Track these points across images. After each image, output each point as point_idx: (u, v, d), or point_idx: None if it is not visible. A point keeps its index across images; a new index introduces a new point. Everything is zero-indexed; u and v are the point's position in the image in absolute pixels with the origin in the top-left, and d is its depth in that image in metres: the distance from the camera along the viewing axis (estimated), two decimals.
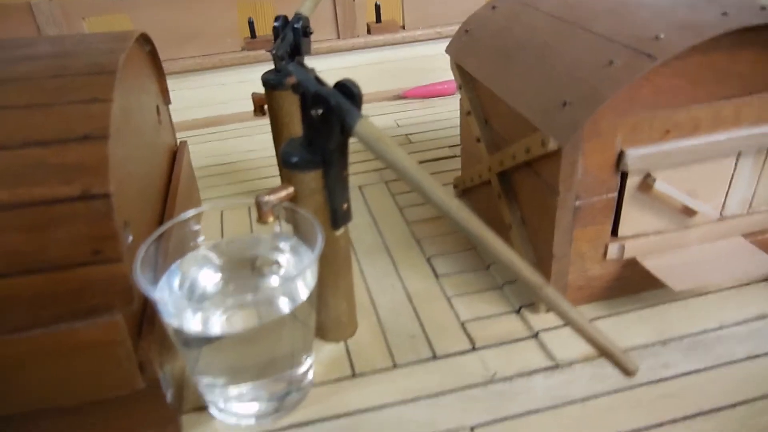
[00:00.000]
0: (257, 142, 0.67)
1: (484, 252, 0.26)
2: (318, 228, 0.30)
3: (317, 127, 0.29)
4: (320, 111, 0.28)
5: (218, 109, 0.73)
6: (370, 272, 0.44)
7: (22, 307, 0.26)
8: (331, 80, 0.84)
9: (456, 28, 0.77)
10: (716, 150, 0.34)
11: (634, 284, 0.38)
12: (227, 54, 0.73)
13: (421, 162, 0.60)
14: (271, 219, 0.32)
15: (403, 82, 0.77)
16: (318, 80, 0.29)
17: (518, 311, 0.39)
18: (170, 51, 0.72)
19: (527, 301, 0.40)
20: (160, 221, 0.40)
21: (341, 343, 0.38)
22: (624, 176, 0.34)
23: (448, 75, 0.52)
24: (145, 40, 0.43)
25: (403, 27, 0.78)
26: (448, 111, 0.71)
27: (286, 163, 0.31)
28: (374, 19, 0.77)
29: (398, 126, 0.69)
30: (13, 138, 0.26)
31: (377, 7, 0.76)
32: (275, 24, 0.44)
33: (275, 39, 0.45)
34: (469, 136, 0.46)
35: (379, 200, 0.54)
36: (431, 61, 0.65)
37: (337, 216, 0.33)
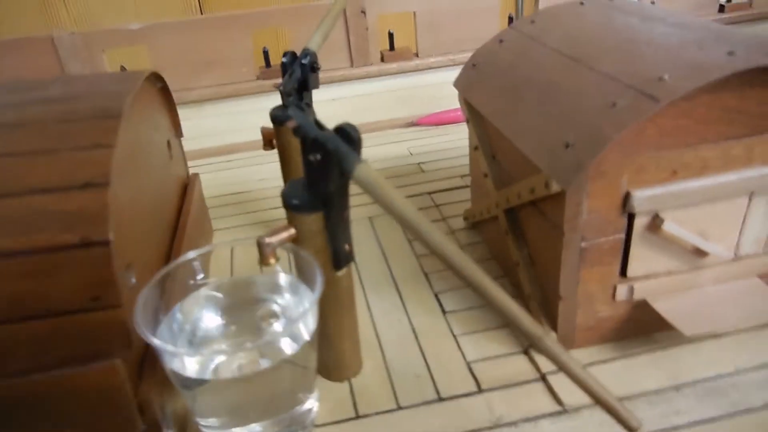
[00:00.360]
0: (269, 170, 0.67)
1: (482, 298, 0.26)
2: (318, 270, 0.30)
3: (317, 171, 0.29)
4: (318, 156, 0.28)
5: (232, 137, 0.74)
6: (376, 306, 0.44)
7: (23, 352, 0.26)
8: (344, 108, 0.84)
9: (468, 55, 0.77)
10: (727, 190, 0.33)
11: (645, 325, 0.37)
12: (242, 83, 0.74)
13: (432, 192, 0.60)
14: (273, 261, 0.32)
15: (417, 109, 0.78)
16: (318, 124, 0.29)
17: (526, 351, 0.38)
18: (186, 80, 0.73)
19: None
20: (169, 256, 0.40)
21: (345, 383, 0.37)
22: (631, 217, 0.33)
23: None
24: (156, 77, 0.43)
25: (417, 54, 0.78)
26: (461, 139, 0.71)
27: (287, 205, 0.31)
28: (388, 47, 0.78)
29: (411, 154, 0.69)
30: (18, 185, 0.27)
31: (390, 35, 0.77)
32: (283, 60, 0.45)
33: (283, 74, 0.45)
34: (477, 170, 0.46)
35: (388, 232, 0.54)
36: (445, 88, 0.65)
37: (340, 257, 0.33)
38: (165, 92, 0.46)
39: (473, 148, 0.45)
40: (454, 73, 0.75)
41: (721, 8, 0.84)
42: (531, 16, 0.46)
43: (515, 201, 0.38)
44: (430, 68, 0.78)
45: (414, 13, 0.76)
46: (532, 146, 0.33)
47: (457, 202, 0.57)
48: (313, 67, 0.45)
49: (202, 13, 1.66)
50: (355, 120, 0.81)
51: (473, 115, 0.44)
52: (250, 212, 0.59)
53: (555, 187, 0.31)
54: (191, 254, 0.32)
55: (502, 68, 0.42)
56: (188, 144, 0.56)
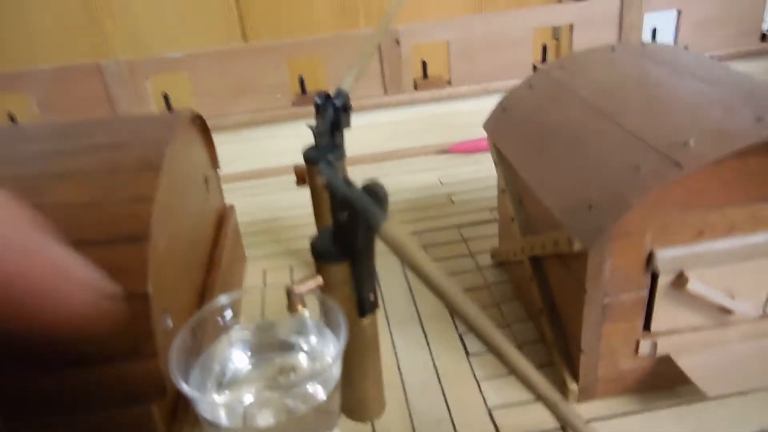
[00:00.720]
0: (302, 196, 0.68)
1: (500, 362, 0.27)
2: (343, 319, 0.31)
3: (344, 227, 0.31)
4: (346, 214, 0.30)
5: (267, 162, 0.76)
6: (401, 346, 0.45)
7: (64, 396, 0.28)
8: (377, 135, 0.85)
9: (503, 83, 0.78)
10: (755, 251, 0.33)
11: (669, 379, 0.37)
12: (278, 110, 0.76)
13: (461, 225, 0.60)
14: (300, 307, 0.33)
15: (449, 136, 0.78)
16: (346, 181, 0.30)
17: None
18: (225, 106, 0.75)
19: (557, 390, 0.39)
20: (203, 292, 0.42)
21: (368, 424, 0.38)
22: (655, 275, 0.33)
23: None
24: (195, 116, 0.45)
25: (450, 83, 0.79)
26: (491, 168, 0.70)
27: (315, 255, 0.33)
28: (421, 75, 0.79)
29: (441, 184, 0.70)
30: (67, 237, 0.29)
31: (424, 64, 0.78)
32: (317, 100, 0.46)
33: (316, 115, 0.46)
34: (504, 212, 0.46)
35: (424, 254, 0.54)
36: (477, 116, 0.66)
37: (364, 305, 0.34)
38: (203, 128, 0.48)
39: (501, 191, 0.46)
40: (487, 101, 0.76)
41: (763, 37, 0.82)
42: (562, 60, 0.46)
43: (540, 251, 0.38)
44: (463, 96, 0.79)
45: (448, 42, 0.76)
46: (555, 202, 0.34)
47: (485, 237, 0.58)
48: (345, 108, 0.46)
49: (246, 41, 1.71)
50: (387, 147, 0.82)
51: (501, 159, 0.45)
52: (283, 240, 0.61)
53: (577, 246, 0.32)
54: (223, 299, 0.34)
55: (531, 115, 0.42)
56: (225, 167, 0.58)
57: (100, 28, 1.36)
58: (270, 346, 0.37)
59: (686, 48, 0.46)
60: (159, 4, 1.44)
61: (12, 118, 0.72)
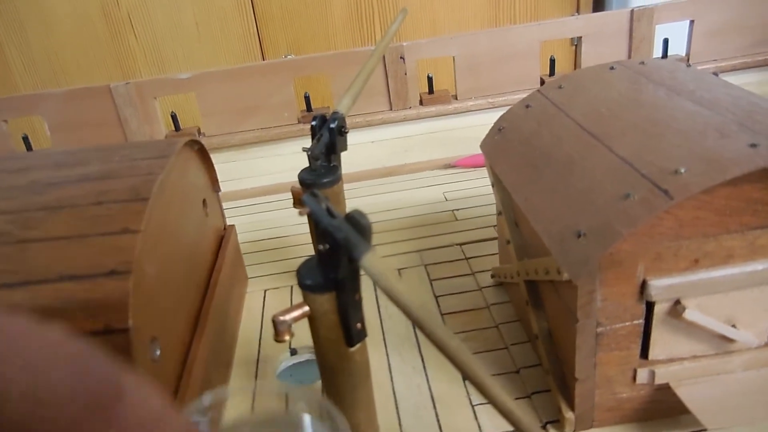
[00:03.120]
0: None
1: (485, 398, 0.26)
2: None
3: (327, 258, 0.30)
4: (327, 245, 0.29)
5: (273, 179, 0.76)
6: (397, 368, 0.44)
7: None
8: (383, 150, 0.85)
9: (508, 98, 0.77)
10: (755, 279, 0.32)
11: (669, 408, 0.36)
12: (284, 127, 0.76)
13: (464, 243, 0.60)
14: (287, 337, 0.33)
15: (455, 151, 0.78)
16: (329, 212, 0.30)
17: (544, 426, 0.38)
18: (231, 125, 0.76)
19: (553, 417, 0.38)
20: (198, 317, 0.42)
21: None
22: (650, 303, 0.32)
23: None
24: (192, 141, 0.46)
25: (456, 97, 0.79)
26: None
27: (300, 284, 0.32)
28: (426, 90, 0.79)
29: (446, 200, 0.69)
30: (49, 272, 0.29)
31: (429, 79, 0.78)
32: (312, 123, 0.46)
33: (312, 137, 0.46)
34: (502, 234, 0.45)
35: (416, 285, 0.54)
36: (482, 130, 0.66)
37: (351, 335, 0.33)
38: (202, 152, 0.49)
39: (498, 213, 0.45)
40: (493, 115, 0.75)
41: None
42: (560, 79, 0.45)
43: (533, 275, 0.38)
44: (469, 111, 0.78)
45: (453, 57, 0.76)
46: (545, 228, 0.33)
47: (487, 255, 0.57)
48: (341, 131, 0.46)
49: (264, 58, 1.73)
50: (393, 162, 0.82)
51: (497, 181, 0.44)
52: (285, 259, 0.61)
53: (566, 276, 0.31)
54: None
55: (526, 137, 0.41)
56: (231, 185, 0.59)
57: (124, 44, 1.38)
58: None
59: (688, 64, 0.45)
60: (179, 21, 1.47)
61: (26, 141, 0.73)
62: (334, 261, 0.30)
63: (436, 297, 0.52)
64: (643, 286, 0.31)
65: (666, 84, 0.39)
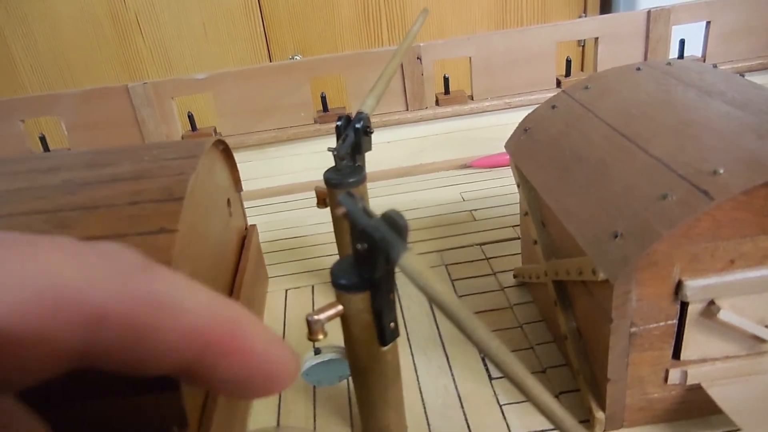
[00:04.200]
0: (324, 213, 0.69)
1: (523, 395, 0.26)
2: None
3: (364, 258, 0.30)
4: (366, 245, 0.29)
5: (291, 179, 0.76)
6: (423, 369, 0.44)
7: (85, 426, 0.28)
8: (400, 150, 0.85)
9: (524, 98, 0.77)
10: None
11: (700, 408, 0.36)
12: (300, 127, 0.76)
13: (483, 243, 0.60)
14: (321, 336, 0.33)
15: (471, 151, 0.78)
16: (366, 212, 0.30)
17: None
18: (248, 125, 0.76)
19: (583, 417, 0.38)
20: None
21: None
22: (684, 303, 0.32)
23: None
24: (218, 141, 0.46)
25: (472, 98, 0.79)
26: (514, 184, 0.70)
27: (335, 284, 0.32)
28: (443, 90, 0.79)
29: (463, 200, 0.69)
30: None
31: (446, 80, 0.78)
32: (338, 123, 0.46)
33: (337, 138, 0.47)
34: (527, 234, 0.45)
35: (441, 284, 0.54)
36: (499, 130, 0.65)
37: (385, 334, 0.34)
38: (226, 152, 0.49)
39: (523, 213, 0.45)
40: (509, 115, 0.75)
41: None
42: (586, 80, 0.45)
43: (564, 276, 0.38)
44: (485, 111, 0.78)
45: (470, 58, 0.76)
46: (579, 229, 0.33)
47: (508, 255, 0.57)
48: (366, 131, 0.46)
49: (270, 59, 1.73)
50: (410, 162, 0.82)
51: (524, 181, 0.44)
52: (305, 258, 0.61)
53: (602, 276, 0.31)
54: None
55: (553, 137, 0.42)
56: (249, 185, 0.59)
57: (131, 45, 1.39)
58: None
59: (714, 66, 0.45)
60: (186, 22, 1.47)
61: (43, 141, 0.74)
62: (371, 261, 0.30)
63: (459, 297, 0.52)
64: (679, 286, 0.31)
65: (696, 85, 0.39)
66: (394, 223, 0.30)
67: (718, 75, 0.41)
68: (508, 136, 0.46)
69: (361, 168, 0.46)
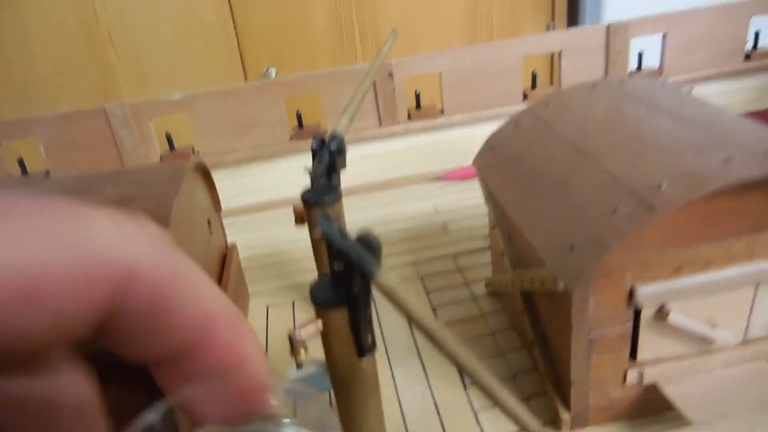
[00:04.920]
0: (302, 230, 0.71)
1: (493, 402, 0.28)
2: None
3: (341, 276, 0.32)
4: (342, 265, 0.32)
5: (268, 196, 0.78)
6: (401, 379, 0.46)
7: None
8: (373, 165, 0.87)
9: (493, 111, 0.80)
10: (731, 283, 0.35)
11: (658, 405, 0.39)
12: (277, 144, 0.78)
13: (456, 254, 0.62)
14: (302, 351, 0.35)
15: (443, 164, 0.80)
16: (342, 233, 0.32)
17: (543, 427, 0.40)
18: (225, 143, 0.78)
19: (551, 418, 0.41)
20: None
21: None
22: (638, 308, 0.35)
23: None
24: (198, 164, 0.47)
25: (443, 111, 0.81)
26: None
27: (314, 302, 0.34)
28: (414, 105, 0.81)
29: (436, 212, 0.72)
30: None
31: (417, 95, 0.80)
32: (313, 146, 0.48)
33: (313, 158, 0.48)
34: (495, 246, 0.48)
35: (415, 298, 0.56)
36: (469, 143, 0.68)
37: (363, 347, 0.36)
38: (205, 174, 0.50)
39: (492, 227, 0.48)
40: (479, 128, 0.78)
41: (747, 57, 0.84)
42: (547, 98, 0.48)
43: (529, 285, 0.40)
44: (456, 125, 0.81)
45: (440, 73, 0.79)
46: (541, 242, 0.36)
47: (481, 265, 0.59)
48: (341, 151, 0.48)
49: (245, 72, 1.74)
50: (383, 176, 0.84)
51: (491, 196, 0.47)
52: (285, 274, 0.63)
53: (561, 286, 0.33)
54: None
55: (517, 154, 0.44)
56: (228, 202, 0.60)
57: (104, 60, 1.39)
58: None
59: (664, 82, 0.48)
60: (160, 36, 1.47)
61: (21, 164, 0.74)
62: (348, 279, 0.32)
63: (434, 308, 0.54)
64: (632, 293, 0.34)
65: (646, 102, 0.42)
66: (369, 243, 0.32)
67: (666, 91, 0.44)
68: (479, 148, 0.49)
69: (336, 186, 0.48)
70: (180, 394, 0.18)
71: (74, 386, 0.16)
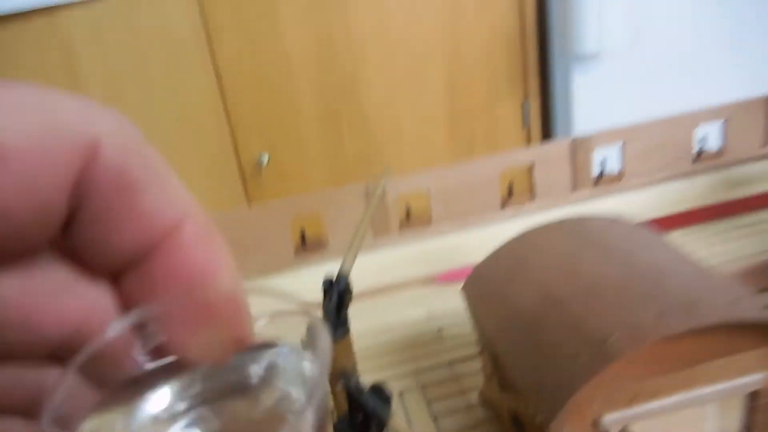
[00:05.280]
0: None
1: None
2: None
3: (359, 422, 0.40)
4: (360, 416, 0.39)
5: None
6: None
7: None
8: (369, 270, 0.94)
9: (478, 217, 0.89)
10: (682, 404, 0.42)
11: None
12: (281, 262, 0.86)
13: (452, 362, 0.69)
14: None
15: (434, 269, 0.89)
16: (358, 387, 0.40)
17: None
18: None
19: None
20: None
21: None
22: None
23: (477, 259, 0.58)
24: None
25: (431, 221, 0.90)
26: None
27: None
28: (405, 217, 0.90)
29: (430, 318, 0.79)
30: None
31: (407, 210, 0.89)
32: (323, 286, 0.56)
33: (324, 297, 0.56)
34: (485, 366, 0.55)
35: (417, 410, 0.62)
36: (457, 249, 0.76)
37: None
38: None
39: (479, 351, 0.55)
40: (466, 235, 0.86)
41: (696, 159, 0.96)
42: (523, 235, 0.57)
43: (515, 408, 0.47)
44: (444, 233, 0.90)
45: (428, 189, 0.88)
46: (520, 376, 0.43)
47: (476, 372, 0.66)
48: (348, 289, 0.56)
49: (239, 159, 1.85)
50: (377, 281, 0.92)
51: (477, 322, 0.55)
52: None
53: (539, 419, 0.41)
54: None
55: (498, 288, 0.52)
56: None
57: None
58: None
59: (618, 220, 0.57)
60: (153, 125, 1.58)
61: None
62: (365, 424, 0.39)
63: (435, 418, 0.61)
64: (597, 421, 0.41)
65: (599, 246, 0.51)
66: (381, 393, 0.39)
67: (619, 230, 0.53)
68: (467, 252, 0.57)
69: (345, 321, 0.56)
70: (145, 308, 0.17)
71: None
